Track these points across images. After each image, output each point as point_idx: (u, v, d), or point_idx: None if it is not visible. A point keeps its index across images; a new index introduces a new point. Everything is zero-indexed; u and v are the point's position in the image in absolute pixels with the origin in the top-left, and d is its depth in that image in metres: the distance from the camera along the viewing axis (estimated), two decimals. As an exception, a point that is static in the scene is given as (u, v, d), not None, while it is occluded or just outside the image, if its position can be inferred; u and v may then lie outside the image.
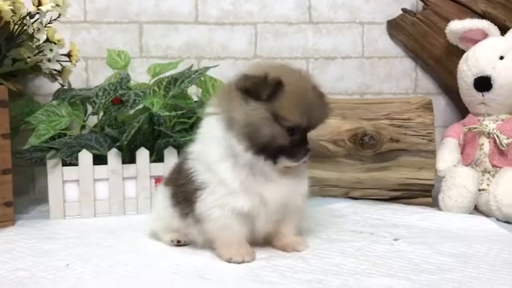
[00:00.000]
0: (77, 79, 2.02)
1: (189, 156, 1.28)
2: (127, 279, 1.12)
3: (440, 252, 1.29)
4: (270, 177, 1.20)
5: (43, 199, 1.79)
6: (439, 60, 2.12)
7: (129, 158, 1.70)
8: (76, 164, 1.65)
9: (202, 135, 1.26)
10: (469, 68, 1.86)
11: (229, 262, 1.21)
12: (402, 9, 2.16)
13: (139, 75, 2.01)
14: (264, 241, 1.32)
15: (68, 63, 1.80)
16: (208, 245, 1.27)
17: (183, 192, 1.27)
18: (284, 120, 1.15)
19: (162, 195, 1.36)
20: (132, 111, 1.75)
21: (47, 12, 1.58)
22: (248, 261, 1.22)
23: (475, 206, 1.71)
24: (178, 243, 1.34)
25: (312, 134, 1.22)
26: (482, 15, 1.95)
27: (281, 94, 1.14)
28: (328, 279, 1.11)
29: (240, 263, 1.21)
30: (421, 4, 2.12)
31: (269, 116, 1.14)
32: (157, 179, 1.69)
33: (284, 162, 1.19)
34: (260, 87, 1.14)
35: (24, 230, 1.51)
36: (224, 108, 1.19)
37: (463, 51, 1.94)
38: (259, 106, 1.14)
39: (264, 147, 1.16)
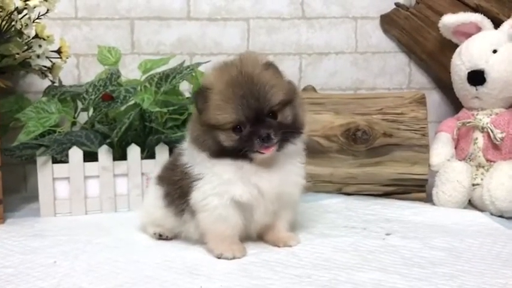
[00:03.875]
0: (68, 76, 2.00)
1: (183, 152, 1.28)
2: (116, 275, 1.11)
3: (433, 246, 1.28)
4: (259, 169, 1.19)
5: (34, 197, 1.76)
6: (433, 55, 2.11)
7: (120, 155, 1.68)
8: (66, 161, 1.63)
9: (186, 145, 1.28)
10: (462, 62, 1.85)
11: (220, 258, 1.21)
12: (395, 4, 2.14)
13: (131, 71, 1.99)
14: (256, 236, 1.31)
15: (58, 60, 1.78)
16: (203, 240, 1.26)
17: (179, 188, 1.26)
18: (221, 124, 1.15)
19: (154, 195, 1.35)
20: (123, 108, 1.74)
21: (34, 7, 1.56)
22: (239, 258, 1.21)
23: (469, 200, 1.70)
24: (160, 237, 1.34)
25: (284, 113, 1.18)
26: (475, 9, 1.94)
27: (209, 101, 1.15)
28: (319, 274, 1.10)
29: (230, 259, 1.20)
30: (414, -2, 2.12)
31: (206, 128, 1.17)
32: (148, 177, 1.68)
33: (255, 156, 1.17)
34: (196, 102, 1.19)
35: (13, 228, 1.49)
36: (188, 128, 1.26)
37: (457, 45, 1.92)
38: (199, 120, 1.19)
39: (220, 152, 1.17)
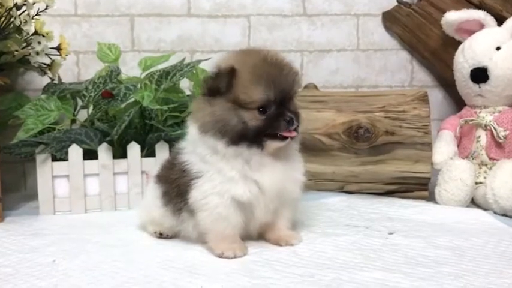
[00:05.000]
0: (68, 73, 1.99)
1: (181, 151, 1.27)
2: (114, 274, 1.10)
3: (436, 245, 1.27)
4: (263, 164, 1.18)
5: (34, 195, 1.75)
6: (435, 52, 2.09)
7: (120, 153, 1.67)
8: (66, 159, 1.62)
9: (190, 136, 1.25)
10: (465, 59, 1.83)
11: (221, 257, 1.19)
12: (397, 1, 2.12)
13: (132, 69, 1.97)
14: (258, 235, 1.30)
15: (58, 57, 1.77)
16: (202, 239, 1.25)
17: (177, 186, 1.25)
18: (248, 103, 1.15)
19: (152, 194, 1.34)
20: (123, 105, 1.72)
21: (33, 3, 1.55)
22: (240, 257, 1.19)
23: (472, 199, 1.69)
24: (161, 236, 1.33)
25: (293, 106, 1.21)
26: (478, 6, 1.92)
27: (236, 79, 1.15)
28: (321, 273, 1.09)
29: (231, 258, 1.18)
30: (416, -5, 2.10)
31: (231, 105, 1.15)
32: (148, 174, 1.66)
33: (270, 144, 1.17)
34: (216, 83, 1.16)
35: (12, 227, 1.48)
36: (195, 114, 1.22)
37: (460, 43, 1.91)
38: (221, 100, 1.16)
39: (241, 135, 1.16)
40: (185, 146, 1.26)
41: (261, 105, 1.15)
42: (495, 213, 1.58)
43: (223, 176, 1.18)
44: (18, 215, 1.61)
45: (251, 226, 1.25)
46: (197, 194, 1.20)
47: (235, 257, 1.19)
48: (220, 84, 1.15)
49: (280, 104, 1.17)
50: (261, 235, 1.30)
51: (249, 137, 1.16)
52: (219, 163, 1.18)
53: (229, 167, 1.18)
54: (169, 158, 1.37)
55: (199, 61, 1.75)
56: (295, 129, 1.18)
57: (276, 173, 1.20)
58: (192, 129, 1.22)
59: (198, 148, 1.21)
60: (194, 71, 1.77)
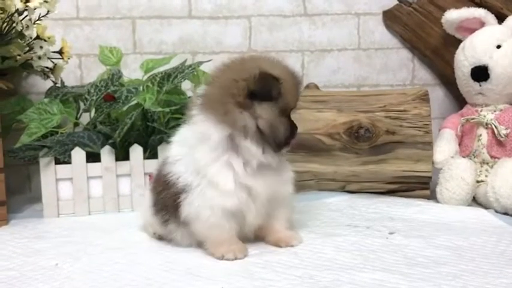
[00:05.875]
0: (71, 76, 2.00)
1: (167, 160, 1.27)
2: (116, 277, 1.11)
3: (436, 245, 1.27)
4: (258, 171, 1.19)
5: (39, 198, 1.77)
6: (436, 51, 2.09)
7: (122, 155, 1.68)
8: (69, 162, 1.63)
9: (184, 140, 1.24)
10: (465, 57, 1.83)
11: (222, 259, 1.20)
12: (398, 0, 2.13)
13: (133, 71, 1.99)
14: (258, 237, 1.31)
15: (60, 61, 1.78)
16: (195, 245, 1.27)
17: (162, 199, 1.26)
18: (286, 110, 1.19)
19: (147, 201, 1.35)
20: (125, 108, 1.73)
21: (35, 8, 1.56)
22: (241, 258, 1.20)
23: (474, 197, 1.69)
24: (161, 238, 1.35)
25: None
26: (478, 4, 1.92)
27: (283, 88, 1.16)
28: (320, 274, 1.10)
29: (232, 260, 1.19)
30: (417, -6, 2.10)
31: (279, 112, 1.17)
32: (151, 176, 1.67)
33: (285, 148, 1.22)
34: (270, 88, 1.15)
35: (17, 230, 1.50)
36: (229, 120, 1.15)
37: (460, 41, 1.91)
38: (270, 106, 1.16)
39: (283, 141, 1.19)
40: (175, 154, 1.25)
41: (289, 112, 1.21)
42: (496, 211, 1.59)
43: (217, 190, 1.17)
44: (22, 218, 1.63)
45: (246, 229, 1.26)
46: (188, 209, 1.20)
47: (235, 258, 1.19)
48: (273, 90, 1.15)
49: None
50: (261, 238, 1.31)
51: (284, 143, 1.20)
52: (215, 176, 1.17)
53: (225, 179, 1.17)
54: (157, 168, 1.36)
55: (201, 63, 1.76)
56: None
57: (267, 179, 1.21)
58: (216, 133, 1.16)
59: (194, 153, 1.19)
60: (195, 73, 1.78)
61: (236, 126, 1.15)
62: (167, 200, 1.23)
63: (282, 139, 1.19)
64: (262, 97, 1.15)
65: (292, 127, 1.21)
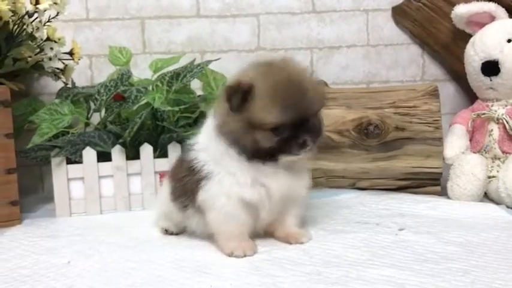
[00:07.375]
0: (82, 77, 2.03)
1: (191, 148, 1.28)
2: (127, 275, 1.12)
3: (446, 241, 1.26)
4: (275, 171, 1.19)
5: (51, 197, 1.79)
6: (446, 46, 2.07)
7: (133, 154, 1.70)
8: (80, 162, 1.65)
9: (208, 129, 1.25)
10: (476, 52, 1.82)
11: (231, 256, 1.21)
12: (407, -5, 2.12)
13: (143, 71, 2.00)
14: (267, 233, 1.32)
15: (71, 62, 1.80)
16: (207, 235, 1.28)
17: (183, 185, 1.27)
18: (263, 124, 1.12)
19: (166, 189, 1.37)
20: (134, 107, 1.75)
21: (45, 10, 1.58)
22: (250, 255, 1.20)
23: (485, 193, 1.68)
24: (166, 232, 1.39)
25: (316, 120, 1.18)
26: (488, -2, 1.90)
27: (253, 99, 1.12)
28: (329, 271, 1.10)
29: (241, 257, 1.20)
30: (426, -11, 2.08)
31: (244, 125, 1.13)
32: (162, 174, 1.69)
33: (285, 158, 1.17)
34: (232, 98, 1.13)
35: (30, 229, 1.52)
36: (216, 113, 1.21)
37: (470, 36, 1.89)
38: (235, 116, 1.14)
39: (253, 153, 1.16)
40: (198, 141, 1.27)
41: (276, 126, 1.12)
42: (508, 207, 1.57)
43: (234, 179, 1.19)
44: (35, 217, 1.65)
45: (257, 225, 1.27)
46: (205, 195, 1.21)
47: (245, 255, 1.20)
48: (234, 100, 1.12)
49: (296, 124, 1.14)
50: (270, 234, 1.32)
51: (262, 155, 1.16)
52: (232, 167, 1.18)
53: (242, 170, 1.18)
54: (180, 155, 1.40)
55: (209, 61, 1.77)
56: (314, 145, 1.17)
57: (285, 180, 1.21)
58: (210, 122, 1.22)
59: (212, 145, 1.21)
60: (204, 72, 1.79)
61: (216, 119, 1.20)
62: (190, 185, 1.24)
63: (249, 151, 1.15)
64: (229, 105, 1.14)
65: (281, 144, 1.13)
